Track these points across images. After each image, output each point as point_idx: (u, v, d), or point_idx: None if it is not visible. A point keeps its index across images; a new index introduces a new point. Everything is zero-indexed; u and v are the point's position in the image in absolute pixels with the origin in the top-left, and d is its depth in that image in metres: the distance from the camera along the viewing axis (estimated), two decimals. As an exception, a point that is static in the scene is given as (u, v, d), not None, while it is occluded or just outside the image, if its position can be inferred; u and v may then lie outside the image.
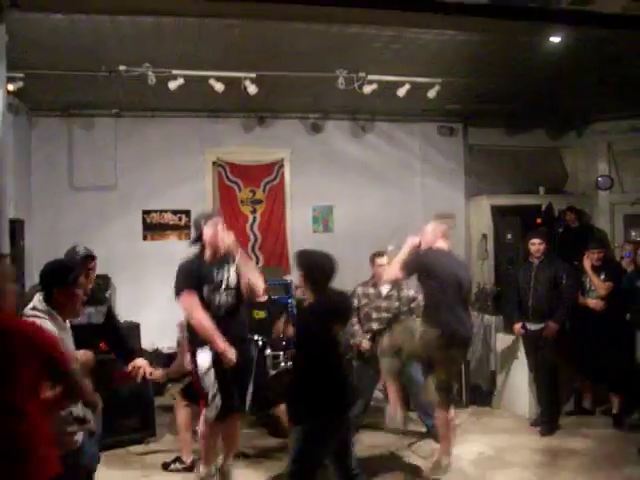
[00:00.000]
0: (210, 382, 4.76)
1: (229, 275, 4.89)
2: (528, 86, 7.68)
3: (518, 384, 7.12)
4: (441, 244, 5.48)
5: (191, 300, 4.70)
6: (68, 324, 3.50)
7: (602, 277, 6.62)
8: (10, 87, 6.09)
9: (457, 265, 5.53)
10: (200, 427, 4.93)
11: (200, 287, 4.77)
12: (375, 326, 6.40)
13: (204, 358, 4.77)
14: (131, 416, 6.15)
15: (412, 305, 6.48)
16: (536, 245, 6.67)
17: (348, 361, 5.89)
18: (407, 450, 6.07)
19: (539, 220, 8.75)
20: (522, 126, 9.73)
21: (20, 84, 6.51)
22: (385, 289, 6.53)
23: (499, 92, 7.97)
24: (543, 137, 10.02)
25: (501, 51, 6.46)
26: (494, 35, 5.96)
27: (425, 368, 5.64)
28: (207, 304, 4.76)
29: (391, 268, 5.58)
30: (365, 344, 6.34)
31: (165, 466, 5.54)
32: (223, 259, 4.90)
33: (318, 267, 4.18)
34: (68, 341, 3.41)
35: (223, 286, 4.85)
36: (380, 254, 6.55)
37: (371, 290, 6.54)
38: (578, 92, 7.98)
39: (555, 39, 5.94)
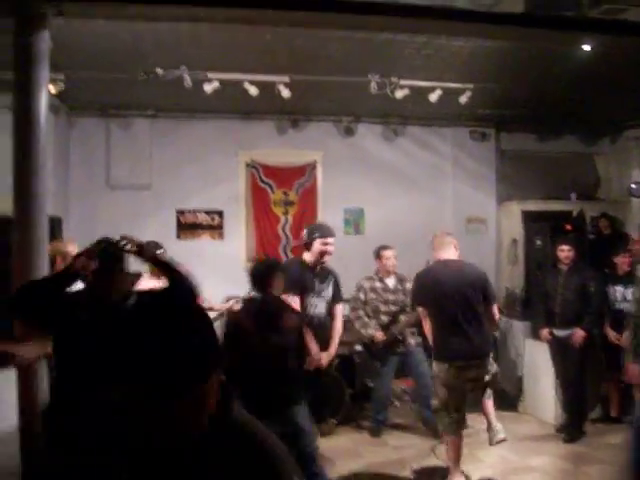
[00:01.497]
0: None
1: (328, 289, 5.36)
2: (561, 92, 7.67)
3: (545, 390, 7.14)
4: (446, 255, 5.50)
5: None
6: None
7: (631, 290, 6.57)
8: (52, 89, 6.27)
9: (461, 276, 5.30)
10: None
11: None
12: (385, 319, 6.55)
13: None
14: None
15: None
16: (565, 252, 6.69)
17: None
18: (429, 452, 6.14)
19: (569, 226, 8.72)
20: (555, 132, 9.71)
21: (62, 86, 6.68)
22: (391, 282, 6.70)
23: (531, 98, 7.97)
24: (576, 143, 9.98)
25: (533, 58, 6.48)
26: (526, 43, 5.99)
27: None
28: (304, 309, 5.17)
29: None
30: (379, 335, 6.48)
31: None
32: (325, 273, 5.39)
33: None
34: None
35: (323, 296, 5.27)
36: (386, 247, 6.71)
37: (378, 284, 6.70)
38: (611, 99, 7.95)
39: (587, 47, 5.96)
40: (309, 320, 5.16)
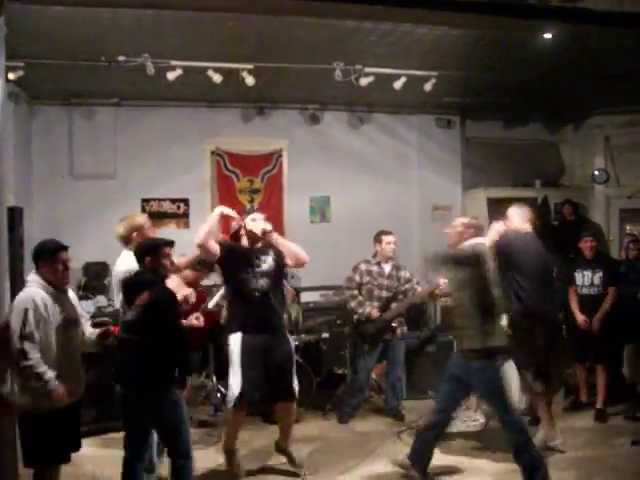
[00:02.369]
0: (234, 369, 4.98)
1: (268, 262, 5.18)
2: (525, 80, 7.73)
3: (509, 375, 7.19)
4: (527, 227, 5.77)
5: None
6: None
7: (599, 274, 6.67)
8: (10, 76, 6.17)
9: (540, 247, 5.76)
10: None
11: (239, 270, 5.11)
12: (376, 304, 6.58)
13: (235, 343, 5.01)
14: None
15: (407, 286, 6.67)
16: (528, 238, 6.75)
17: None
18: (394, 437, 6.18)
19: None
20: (519, 119, 9.81)
21: (20, 73, 6.57)
22: (387, 268, 6.71)
23: (496, 85, 8.02)
24: (540, 130, 10.10)
25: (496, 45, 6.52)
26: (488, 30, 6.02)
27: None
28: (243, 287, 5.07)
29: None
30: (375, 313, 6.50)
31: None
32: (264, 248, 5.25)
33: None
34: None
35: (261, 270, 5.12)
36: (387, 233, 6.71)
37: (375, 268, 6.71)
38: (575, 86, 8.04)
39: (547, 35, 6.02)
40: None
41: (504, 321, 5.15)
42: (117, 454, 4.29)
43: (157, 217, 8.73)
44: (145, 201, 8.74)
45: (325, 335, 7.32)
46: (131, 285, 4.23)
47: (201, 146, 8.89)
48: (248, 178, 9.03)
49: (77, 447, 4.26)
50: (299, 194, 9.13)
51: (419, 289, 6.74)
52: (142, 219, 5.04)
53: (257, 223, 5.27)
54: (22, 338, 3.77)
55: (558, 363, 7.00)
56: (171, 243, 4.35)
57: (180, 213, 8.83)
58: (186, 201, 8.85)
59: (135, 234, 4.80)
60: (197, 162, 8.88)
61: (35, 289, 3.94)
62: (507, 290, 5.40)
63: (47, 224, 7.98)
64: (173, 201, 8.84)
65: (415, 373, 7.38)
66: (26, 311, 3.82)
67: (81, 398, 4.24)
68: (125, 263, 4.67)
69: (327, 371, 7.35)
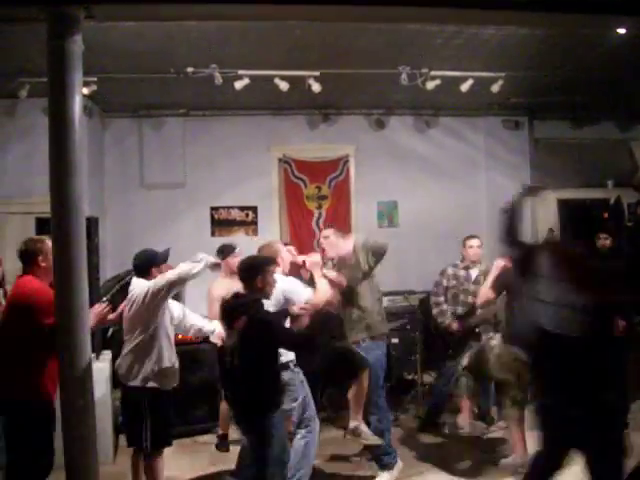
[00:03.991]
0: None
1: None
2: (595, 77, 7.53)
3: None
4: None
5: None
6: None
7: None
8: (85, 91, 6.35)
9: None
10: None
11: None
12: (460, 309, 6.50)
13: None
14: (199, 406, 6.36)
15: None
16: (602, 240, 6.60)
17: None
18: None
19: (606, 214, 8.60)
20: (589, 118, 9.56)
21: (94, 87, 6.77)
22: (474, 273, 6.61)
23: (565, 84, 7.85)
24: (611, 129, 9.81)
25: (565, 44, 6.38)
26: (557, 28, 5.90)
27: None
28: None
29: (482, 292, 5.65)
30: (455, 326, 6.44)
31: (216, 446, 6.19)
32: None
33: None
34: None
35: None
36: (472, 237, 6.64)
37: (462, 272, 6.63)
38: (648, 83, 7.83)
39: (622, 30, 5.85)
40: None
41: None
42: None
43: (226, 225, 8.89)
44: (214, 209, 8.88)
45: (395, 341, 7.28)
46: (233, 307, 4.23)
47: (268, 154, 8.98)
48: (315, 185, 9.07)
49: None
50: (366, 199, 9.12)
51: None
52: (281, 246, 5.30)
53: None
54: None
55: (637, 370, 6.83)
56: (274, 261, 4.54)
57: (248, 221, 8.93)
58: (254, 209, 8.95)
59: (279, 259, 4.98)
60: (264, 170, 8.96)
61: None
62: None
63: (119, 233, 8.19)
64: (241, 209, 8.95)
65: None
66: None
67: None
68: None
69: (397, 377, 7.31)
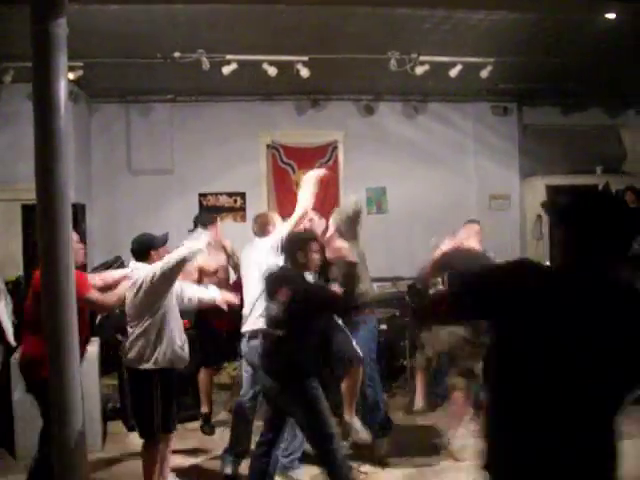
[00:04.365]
0: None
1: None
2: (584, 63, 7.51)
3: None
4: (472, 244, 5.58)
5: None
6: None
7: None
8: (70, 76, 6.28)
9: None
10: None
11: None
12: None
13: None
14: (188, 393, 6.34)
15: None
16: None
17: None
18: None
19: (595, 200, 8.60)
20: (578, 104, 9.54)
21: (80, 72, 6.70)
22: None
23: (554, 70, 7.83)
24: (600, 115, 9.80)
25: (554, 29, 6.35)
26: (546, 13, 5.88)
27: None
28: None
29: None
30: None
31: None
32: None
33: None
34: None
35: None
36: (470, 221, 6.59)
37: None
38: (636, 69, 7.79)
39: (610, 15, 5.84)
40: None
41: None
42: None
43: (214, 211, 8.81)
44: (202, 195, 8.85)
45: (383, 327, 7.27)
46: (275, 279, 4.36)
47: (256, 139, 8.94)
48: (304, 170, 9.00)
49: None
50: (355, 186, 9.07)
51: None
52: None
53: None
54: None
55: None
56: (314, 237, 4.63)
57: (237, 207, 8.90)
58: (243, 195, 8.92)
59: (271, 227, 5.47)
60: (253, 156, 8.92)
61: None
62: None
63: (106, 219, 8.15)
64: (230, 195, 8.92)
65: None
66: None
67: None
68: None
69: (386, 362, 7.31)
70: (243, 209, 8.87)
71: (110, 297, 4.62)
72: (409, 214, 8.87)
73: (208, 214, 6.15)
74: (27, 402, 4.75)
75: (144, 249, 4.74)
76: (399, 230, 8.84)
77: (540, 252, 8.96)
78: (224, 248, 6.29)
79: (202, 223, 5.94)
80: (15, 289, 6.27)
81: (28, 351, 4.50)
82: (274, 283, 4.33)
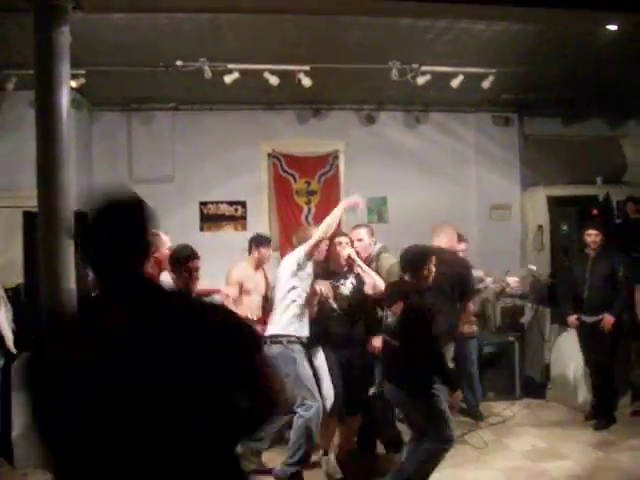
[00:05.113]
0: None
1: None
2: (585, 74, 7.54)
3: (572, 377, 7.07)
4: (441, 242, 5.74)
5: None
6: None
7: None
8: (73, 84, 6.28)
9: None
10: None
11: None
12: None
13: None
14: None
15: (480, 286, 6.56)
16: (592, 236, 6.60)
17: None
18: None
19: (596, 211, 8.61)
20: (579, 115, 9.56)
21: (82, 80, 6.72)
22: None
23: (555, 81, 7.85)
24: (601, 126, 9.81)
25: (556, 40, 6.37)
26: (548, 24, 5.89)
27: None
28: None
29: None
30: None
31: None
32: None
33: None
34: None
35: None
36: (459, 238, 6.66)
37: None
38: (637, 79, 7.81)
39: (612, 27, 5.86)
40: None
41: None
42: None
43: (215, 220, 8.85)
44: (203, 204, 8.84)
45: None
46: (392, 293, 4.69)
47: (257, 148, 8.93)
48: (305, 180, 9.05)
49: None
50: (356, 195, 9.08)
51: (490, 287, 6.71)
52: None
53: (342, 248, 5.50)
54: None
55: (623, 366, 6.85)
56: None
57: (237, 216, 8.88)
58: (243, 204, 8.91)
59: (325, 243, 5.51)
60: (254, 165, 8.92)
61: None
62: None
63: (108, 228, 8.13)
64: (230, 204, 8.90)
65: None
66: None
67: None
68: None
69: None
70: (244, 218, 8.86)
71: None
72: (410, 224, 8.82)
73: (265, 237, 6.27)
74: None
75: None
76: (400, 240, 8.73)
77: (541, 261, 8.96)
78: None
79: (254, 240, 6.13)
80: (15, 296, 6.26)
81: None
82: (391, 296, 4.65)
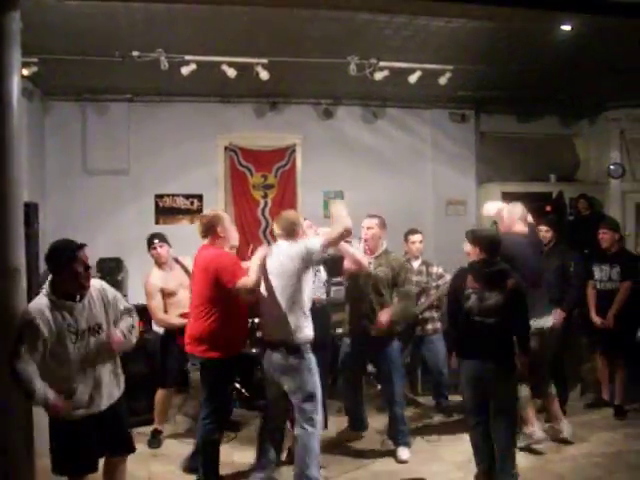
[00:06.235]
0: None
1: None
2: (540, 73, 7.65)
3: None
4: (520, 227, 5.64)
5: None
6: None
7: (617, 269, 6.55)
8: (24, 72, 6.15)
9: (533, 251, 5.58)
10: None
11: None
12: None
13: None
14: (140, 398, 6.21)
15: (440, 282, 6.64)
16: (543, 232, 6.67)
17: None
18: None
19: (549, 208, 8.75)
20: (534, 113, 9.71)
21: (34, 69, 6.58)
22: (416, 264, 6.76)
23: (511, 79, 7.94)
24: (555, 124, 9.99)
25: (512, 38, 6.44)
26: (505, 22, 5.95)
27: None
28: None
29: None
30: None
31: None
32: None
33: None
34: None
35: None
36: (413, 231, 6.73)
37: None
38: (591, 79, 7.94)
39: (566, 27, 5.94)
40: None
41: None
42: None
43: (170, 213, 8.77)
44: (158, 197, 8.75)
45: (339, 331, 7.26)
46: (498, 272, 4.71)
47: (214, 141, 8.88)
48: (261, 173, 9.01)
49: (117, 451, 4.11)
50: (313, 189, 9.09)
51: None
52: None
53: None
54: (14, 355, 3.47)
55: (574, 359, 6.96)
56: None
57: (194, 209, 8.81)
58: (200, 197, 8.85)
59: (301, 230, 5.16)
60: (210, 158, 8.86)
61: (44, 299, 3.65)
62: None
63: (61, 220, 7.98)
64: (187, 197, 8.84)
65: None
66: (24, 324, 3.55)
67: (120, 402, 4.04)
68: None
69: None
70: (200, 211, 8.77)
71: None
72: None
73: (151, 237, 6.10)
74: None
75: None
76: (356, 233, 8.80)
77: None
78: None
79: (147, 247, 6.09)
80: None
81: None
82: (498, 275, 4.68)
